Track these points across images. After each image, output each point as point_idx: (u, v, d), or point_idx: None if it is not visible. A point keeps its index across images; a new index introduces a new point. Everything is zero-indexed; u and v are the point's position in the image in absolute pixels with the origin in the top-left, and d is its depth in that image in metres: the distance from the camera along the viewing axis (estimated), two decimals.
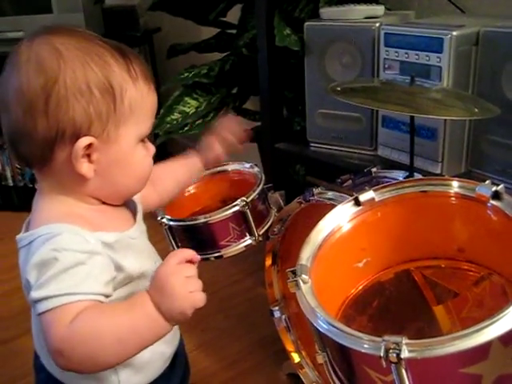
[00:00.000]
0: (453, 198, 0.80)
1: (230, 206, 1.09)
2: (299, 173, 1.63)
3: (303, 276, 0.72)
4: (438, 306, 0.85)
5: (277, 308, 1.32)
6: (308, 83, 1.40)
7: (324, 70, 1.35)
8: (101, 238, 0.72)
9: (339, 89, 1.06)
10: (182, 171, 1.04)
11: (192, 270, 0.70)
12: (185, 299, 0.68)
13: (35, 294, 0.66)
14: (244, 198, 1.09)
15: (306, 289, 0.71)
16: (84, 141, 0.70)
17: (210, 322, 1.57)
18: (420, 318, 0.84)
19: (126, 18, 2.37)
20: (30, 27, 2.19)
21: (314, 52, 1.35)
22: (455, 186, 0.79)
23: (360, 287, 0.85)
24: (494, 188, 0.75)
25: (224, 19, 1.82)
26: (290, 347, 1.33)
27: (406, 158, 1.25)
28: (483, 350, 0.59)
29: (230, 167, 1.24)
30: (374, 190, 0.83)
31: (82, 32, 0.74)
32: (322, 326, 0.66)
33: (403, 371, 0.59)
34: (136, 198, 0.86)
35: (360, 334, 0.63)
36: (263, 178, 1.15)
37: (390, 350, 0.58)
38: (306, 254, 0.76)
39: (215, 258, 1.13)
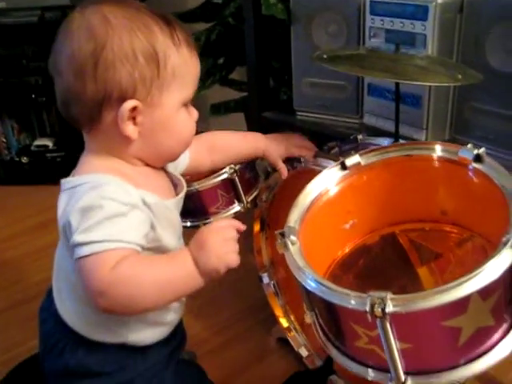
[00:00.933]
0: (436, 162, 0.82)
1: (218, 173, 1.10)
2: None
3: (292, 237, 0.74)
4: (422, 267, 0.88)
5: (265, 274, 1.36)
6: (294, 52, 1.40)
7: (310, 38, 1.35)
8: (142, 196, 0.76)
9: (325, 56, 1.07)
10: (244, 150, 1.10)
11: (233, 233, 0.77)
12: (220, 257, 0.74)
13: (79, 238, 0.71)
14: (232, 166, 1.10)
15: (294, 250, 0.73)
16: (129, 103, 0.75)
17: (199, 289, 1.59)
18: (404, 279, 0.88)
19: None
20: None
21: (300, 21, 1.35)
22: (438, 149, 0.82)
23: (347, 250, 0.88)
24: (475, 151, 0.77)
25: None
26: (278, 312, 1.36)
27: (392, 126, 1.26)
28: (463, 304, 0.62)
29: None
30: (360, 155, 0.85)
31: (130, 2, 0.79)
32: (310, 285, 0.69)
33: (388, 325, 0.62)
34: (179, 169, 0.94)
35: (347, 291, 0.65)
36: None
37: (376, 305, 0.61)
38: (294, 217, 0.79)
39: (204, 224, 1.14)
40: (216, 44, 1.66)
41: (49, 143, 2.45)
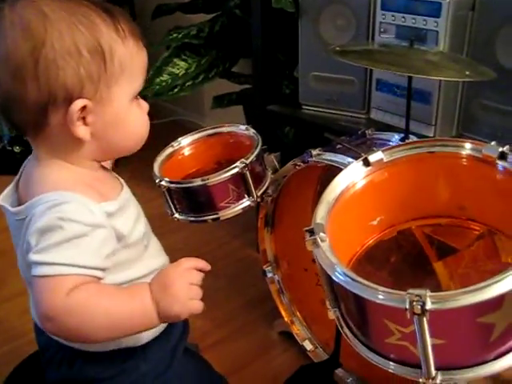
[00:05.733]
0: (460, 159, 0.82)
1: (229, 167, 1.08)
2: (288, 135, 1.64)
3: (321, 234, 0.73)
4: (438, 262, 0.88)
5: (269, 268, 1.35)
6: (302, 46, 1.40)
7: (318, 32, 1.35)
8: (105, 209, 0.73)
9: (338, 49, 1.06)
10: None
11: (198, 277, 0.74)
12: (184, 304, 0.71)
13: (35, 257, 0.67)
14: (243, 160, 1.08)
15: (325, 247, 0.72)
16: (78, 103, 0.70)
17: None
18: (421, 273, 0.88)
19: None
20: None
21: (308, 14, 1.35)
22: (467, 147, 0.82)
23: (366, 245, 0.88)
24: (500, 149, 0.78)
25: None
26: (282, 307, 1.36)
27: (399, 121, 1.27)
28: (498, 301, 0.62)
29: (226, 129, 1.22)
30: (383, 151, 0.85)
31: None
32: (346, 282, 0.68)
33: (425, 322, 0.62)
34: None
35: (386, 289, 0.64)
36: (260, 139, 1.15)
37: (414, 303, 0.61)
38: (321, 213, 0.78)
39: (212, 220, 1.12)
40: (219, 35, 1.64)
41: None
